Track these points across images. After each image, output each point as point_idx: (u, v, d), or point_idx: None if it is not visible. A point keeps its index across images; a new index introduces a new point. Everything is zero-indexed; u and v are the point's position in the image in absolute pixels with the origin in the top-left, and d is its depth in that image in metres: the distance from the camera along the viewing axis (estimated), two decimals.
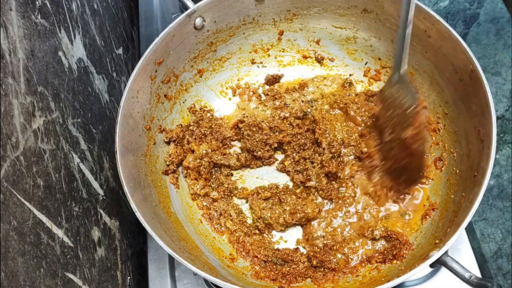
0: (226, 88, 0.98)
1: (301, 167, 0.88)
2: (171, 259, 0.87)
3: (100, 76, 0.84)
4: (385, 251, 0.80)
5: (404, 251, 0.77)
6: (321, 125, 0.89)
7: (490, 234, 1.13)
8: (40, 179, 0.54)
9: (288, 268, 0.81)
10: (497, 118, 1.20)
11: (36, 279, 0.50)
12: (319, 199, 0.87)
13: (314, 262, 0.80)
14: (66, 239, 0.59)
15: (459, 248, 0.85)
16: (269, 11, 0.91)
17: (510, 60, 1.26)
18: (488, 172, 0.67)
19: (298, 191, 0.89)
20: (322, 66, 0.99)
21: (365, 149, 0.87)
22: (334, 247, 0.82)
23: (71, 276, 0.59)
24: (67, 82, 0.67)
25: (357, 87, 0.97)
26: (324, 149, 0.88)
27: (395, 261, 0.77)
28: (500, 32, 1.29)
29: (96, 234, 0.71)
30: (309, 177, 0.87)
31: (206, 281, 0.84)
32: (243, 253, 0.83)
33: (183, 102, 0.93)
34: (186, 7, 0.83)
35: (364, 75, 0.97)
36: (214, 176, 0.90)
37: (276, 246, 0.85)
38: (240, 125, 0.92)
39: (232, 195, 0.90)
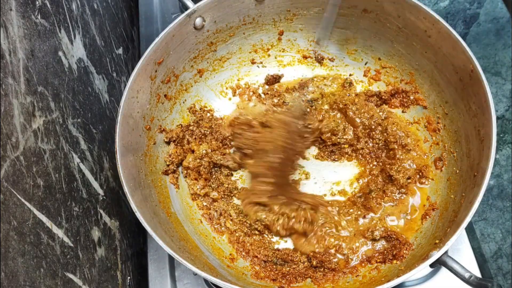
0: (226, 88, 0.98)
1: None
2: (171, 259, 0.87)
3: (100, 76, 0.84)
4: (385, 251, 0.80)
5: (404, 251, 0.77)
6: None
7: (490, 234, 1.13)
8: (40, 179, 0.54)
9: (288, 268, 0.81)
10: (497, 118, 1.20)
11: (36, 279, 0.50)
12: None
13: (314, 262, 0.80)
14: (66, 239, 0.59)
15: (459, 248, 0.85)
16: (269, 11, 0.91)
17: (510, 60, 1.25)
18: (488, 172, 0.67)
19: None
20: (322, 66, 0.99)
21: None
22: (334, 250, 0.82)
23: (71, 276, 0.59)
24: (67, 82, 0.67)
25: (357, 87, 0.97)
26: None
27: (395, 261, 0.77)
28: (500, 32, 1.29)
29: (96, 234, 0.71)
30: None
31: (206, 281, 0.84)
32: (243, 253, 0.83)
33: (183, 102, 0.93)
34: (186, 7, 0.83)
35: (364, 75, 0.97)
36: (214, 176, 0.90)
37: (276, 246, 0.85)
38: (233, 123, 0.93)
39: (232, 195, 0.89)
